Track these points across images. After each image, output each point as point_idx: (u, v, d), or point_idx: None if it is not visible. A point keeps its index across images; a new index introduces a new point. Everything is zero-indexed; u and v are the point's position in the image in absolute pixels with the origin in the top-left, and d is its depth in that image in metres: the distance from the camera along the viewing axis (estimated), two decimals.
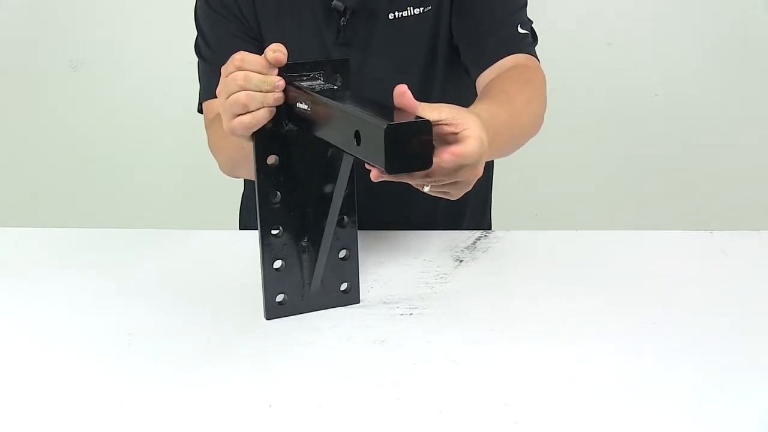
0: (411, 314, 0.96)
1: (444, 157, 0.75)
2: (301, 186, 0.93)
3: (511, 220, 1.42)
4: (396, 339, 0.90)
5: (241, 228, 1.43)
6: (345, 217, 0.96)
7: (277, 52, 0.87)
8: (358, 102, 0.78)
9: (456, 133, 0.77)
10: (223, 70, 0.90)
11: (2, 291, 1.06)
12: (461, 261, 1.10)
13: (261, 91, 0.86)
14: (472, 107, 0.93)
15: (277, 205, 0.93)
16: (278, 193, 0.93)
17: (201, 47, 1.23)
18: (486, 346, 0.89)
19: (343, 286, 0.98)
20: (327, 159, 0.93)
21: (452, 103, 0.89)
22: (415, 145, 0.70)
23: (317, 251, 0.95)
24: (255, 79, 0.86)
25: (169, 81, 2.30)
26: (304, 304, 0.97)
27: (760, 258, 1.11)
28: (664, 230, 1.20)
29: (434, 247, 1.14)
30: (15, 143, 2.54)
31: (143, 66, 2.39)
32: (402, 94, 0.75)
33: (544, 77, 1.17)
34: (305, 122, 0.86)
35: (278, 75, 0.87)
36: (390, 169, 0.69)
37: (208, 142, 1.21)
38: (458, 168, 0.77)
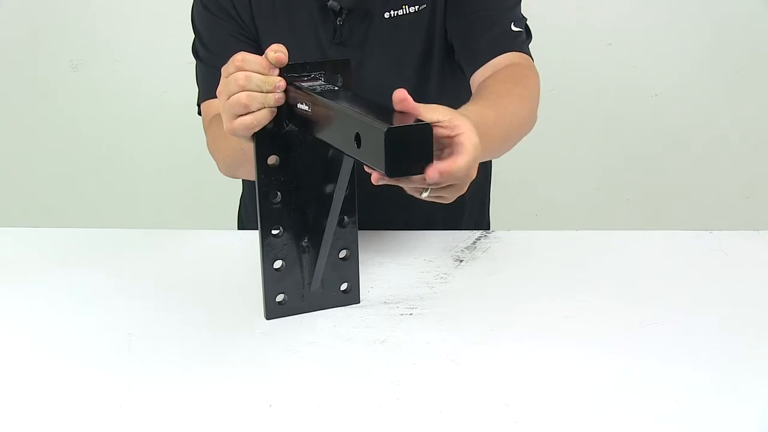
0: (411, 314, 0.96)
1: (429, 174, 0.72)
2: (302, 186, 0.93)
3: (511, 220, 1.42)
4: (396, 339, 0.91)
5: (239, 228, 1.43)
6: (345, 217, 0.96)
7: (278, 52, 0.87)
8: (358, 104, 0.78)
9: (451, 137, 0.77)
10: (224, 70, 0.90)
11: (2, 291, 1.06)
12: (461, 261, 1.10)
13: (262, 92, 0.86)
14: (461, 109, 0.93)
15: (278, 205, 0.93)
16: (278, 193, 0.93)
17: (198, 49, 1.23)
18: (486, 346, 0.89)
19: (343, 286, 0.98)
20: (327, 159, 0.93)
21: (449, 100, 0.89)
22: (415, 148, 0.70)
23: (317, 251, 0.95)
24: (256, 80, 0.86)
25: (169, 81, 2.30)
26: (304, 304, 0.97)
27: (760, 258, 1.11)
28: (664, 230, 1.20)
29: (434, 247, 1.14)
30: (15, 143, 2.53)
31: (143, 66, 2.39)
32: (402, 100, 0.74)
33: (537, 75, 1.17)
34: (306, 123, 0.86)
35: (279, 75, 0.87)
36: (390, 172, 0.69)
37: (207, 143, 1.21)
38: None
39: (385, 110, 0.74)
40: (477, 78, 1.15)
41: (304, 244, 0.95)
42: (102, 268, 1.11)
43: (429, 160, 0.71)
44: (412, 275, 1.06)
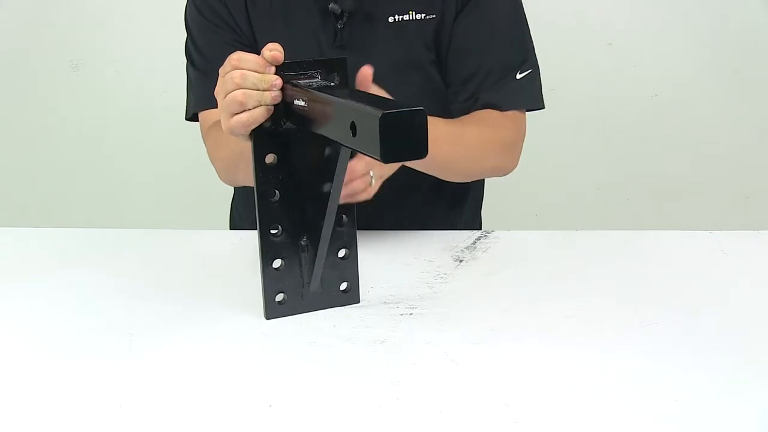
0: (411, 314, 0.96)
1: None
2: (300, 185, 0.93)
3: (511, 220, 1.42)
4: (396, 339, 0.90)
5: (231, 228, 1.43)
6: (344, 216, 0.96)
7: (273, 50, 0.87)
8: (353, 95, 0.78)
9: None
10: (221, 70, 0.90)
11: (2, 291, 1.06)
12: (461, 261, 1.10)
13: (258, 90, 0.86)
14: None
15: (276, 204, 0.93)
16: (277, 192, 0.93)
17: (193, 55, 1.22)
18: (486, 346, 0.88)
19: (343, 286, 0.98)
20: (325, 158, 0.93)
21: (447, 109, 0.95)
22: (409, 133, 0.70)
23: (316, 250, 0.95)
24: (252, 78, 0.87)
25: (169, 81, 2.29)
26: (303, 304, 0.97)
27: (760, 258, 1.11)
28: (664, 230, 1.20)
29: (434, 247, 1.14)
30: (15, 143, 2.53)
31: (143, 66, 2.39)
32: (364, 77, 0.83)
33: (519, 133, 1.23)
34: (303, 119, 0.86)
35: (276, 74, 0.87)
36: (385, 157, 0.70)
37: (207, 151, 1.20)
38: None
39: (380, 99, 0.75)
40: (458, 109, 1.21)
41: (303, 243, 0.95)
42: (102, 268, 1.11)
43: (424, 145, 0.71)
44: (412, 275, 1.06)
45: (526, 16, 1.24)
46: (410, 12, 1.17)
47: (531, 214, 2.44)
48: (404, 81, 1.18)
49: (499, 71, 1.20)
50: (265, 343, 0.91)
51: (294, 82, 0.87)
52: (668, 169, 2.41)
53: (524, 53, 1.23)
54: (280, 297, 0.96)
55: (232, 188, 1.43)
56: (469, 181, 1.28)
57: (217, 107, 1.05)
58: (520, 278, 1.05)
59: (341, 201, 0.93)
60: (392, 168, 1.02)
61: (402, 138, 0.70)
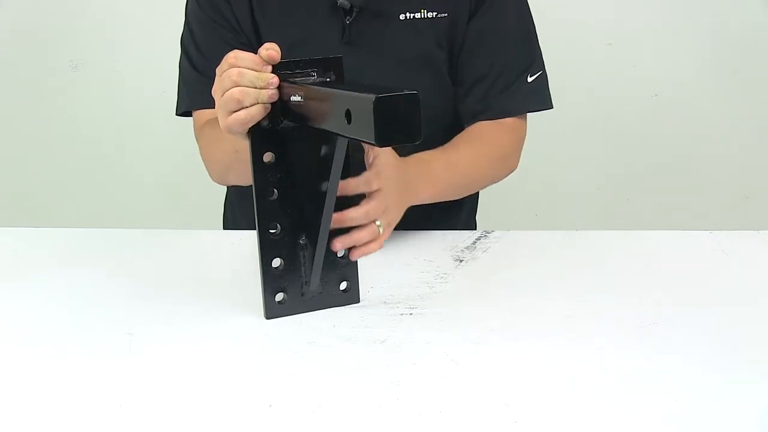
0: (411, 314, 0.96)
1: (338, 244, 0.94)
2: (298, 183, 0.93)
3: (511, 220, 1.42)
4: (396, 339, 0.90)
5: (224, 228, 1.42)
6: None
7: (270, 50, 0.87)
8: (348, 86, 0.79)
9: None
10: (218, 69, 0.90)
11: (2, 291, 1.06)
12: (461, 261, 1.10)
13: (255, 87, 0.87)
14: (418, 154, 1.08)
15: (275, 203, 0.93)
16: (275, 190, 0.93)
17: (190, 51, 1.22)
18: (486, 346, 0.88)
19: (343, 286, 0.98)
20: (323, 156, 0.93)
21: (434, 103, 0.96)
22: (403, 117, 0.71)
23: (310, 250, 0.95)
24: (249, 75, 0.87)
25: (169, 81, 2.29)
26: (303, 304, 0.97)
27: (760, 258, 1.11)
28: (664, 230, 1.20)
29: (434, 247, 1.14)
30: (15, 143, 2.53)
31: (143, 66, 2.39)
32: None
33: (518, 140, 1.24)
34: (300, 116, 0.87)
35: (272, 72, 0.87)
36: (379, 140, 0.70)
37: (200, 149, 1.20)
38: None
39: (372, 86, 0.74)
40: (468, 117, 1.23)
41: (302, 243, 0.95)
42: (102, 268, 1.11)
43: (418, 128, 0.71)
44: (412, 275, 1.06)
45: (543, 66, 1.27)
46: (422, 10, 1.17)
47: (531, 214, 2.44)
48: (413, 79, 1.18)
49: (510, 74, 1.21)
50: (265, 343, 0.91)
51: (291, 80, 0.88)
52: (668, 169, 2.41)
53: (533, 54, 1.24)
54: (279, 297, 0.96)
55: (226, 188, 1.43)
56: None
57: (211, 107, 1.05)
58: (520, 278, 1.05)
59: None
60: (399, 214, 1.02)
61: (396, 121, 0.70)
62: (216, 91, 0.89)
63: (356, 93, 0.74)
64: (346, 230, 0.95)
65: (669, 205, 2.41)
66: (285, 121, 0.90)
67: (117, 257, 1.15)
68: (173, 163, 2.45)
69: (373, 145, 0.72)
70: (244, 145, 0.92)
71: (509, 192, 2.32)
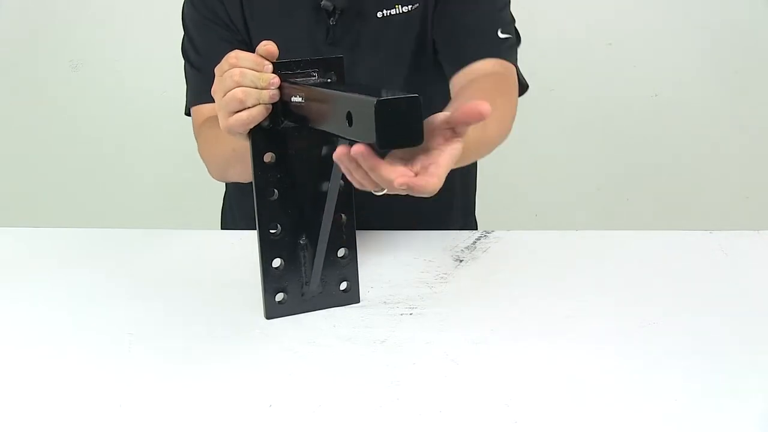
0: (411, 314, 0.96)
1: (399, 181, 0.74)
2: (298, 183, 0.94)
3: (511, 220, 1.42)
4: (396, 339, 0.90)
5: (222, 228, 1.43)
6: (342, 215, 0.96)
7: (267, 44, 0.87)
8: (350, 87, 0.79)
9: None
10: (218, 69, 0.90)
11: (2, 291, 1.06)
12: (461, 261, 1.10)
13: (257, 87, 0.87)
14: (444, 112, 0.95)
15: (275, 203, 0.93)
16: (275, 190, 0.93)
17: (189, 52, 1.23)
18: (486, 346, 0.88)
19: (343, 286, 0.98)
20: (323, 156, 0.93)
21: (442, 98, 0.90)
22: (405, 120, 0.70)
23: (315, 249, 0.95)
24: (250, 76, 0.87)
25: (169, 81, 2.29)
26: (303, 304, 0.97)
27: (760, 258, 1.11)
28: (664, 230, 1.20)
29: (434, 247, 1.14)
30: (15, 143, 2.54)
31: (143, 66, 2.39)
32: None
33: (517, 88, 1.18)
34: (300, 116, 0.87)
35: (273, 72, 0.88)
36: (381, 143, 0.70)
37: (198, 148, 1.21)
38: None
39: (374, 88, 0.74)
40: (457, 81, 1.16)
41: (302, 243, 0.95)
42: (102, 268, 1.11)
43: (419, 131, 0.71)
44: (412, 275, 1.06)
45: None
46: (396, 5, 1.18)
47: (531, 214, 2.44)
48: (395, 74, 1.19)
49: (482, 29, 1.17)
50: (265, 343, 0.91)
51: (292, 80, 0.88)
52: (668, 169, 2.41)
53: (505, 19, 1.20)
54: (280, 296, 0.96)
55: (224, 188, 1.43)
56: None
57: (210, 102, 1.03)
58: (520, 278, 1.05)
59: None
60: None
61: (398, 124, 0.70)
62: (216, 92, 0.89)
63: (358, 95, 0.74)
64: (341, 232, 0.95)
65: (669, 205, 2.41)
66: (285, 122, 0.90)
67: (117, 257, 1.15)
68: (173, 163, 2.45)
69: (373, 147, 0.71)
70: (244, 145, 0.92)
71: (509, 192, 2.33)
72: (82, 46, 2.43)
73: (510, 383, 0.81)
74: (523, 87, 1.22)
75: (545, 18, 2.23)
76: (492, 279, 1.05)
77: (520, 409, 0.77)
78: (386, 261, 1.10)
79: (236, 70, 0.87)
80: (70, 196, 2.53)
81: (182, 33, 1.26)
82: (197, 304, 1.00)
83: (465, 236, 1.18)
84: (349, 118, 0.74)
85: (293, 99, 0.87)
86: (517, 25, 1.23)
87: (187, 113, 1.27)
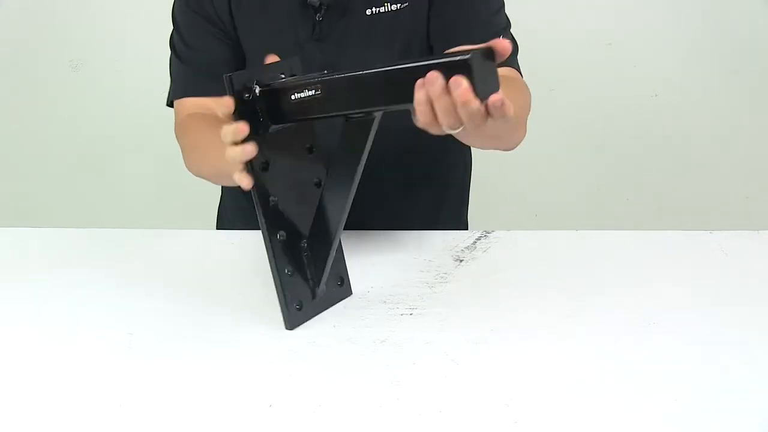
0: (411, 314, 0.96)
1: (496, 97, 0.76)
2: (292, 186, 0.94)
3: (511, 220, 1.42)
4: (396, 339, 0.91)
5: (218, 228, 1.43)
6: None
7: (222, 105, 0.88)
8: (385, 65, 0.82)
9: None
10: None
11: (2, 291, 1.06)
12: (461, 261, 1.10)
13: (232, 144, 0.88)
14: None
15: (276, 210, 0.93)
16: (274, 197, 0.93)
17: (176, 44, 1.24)
18: (486, 346, 0.89)
19: (338, 281, 0.99)
20: (311, 154, 0.95)
21: None
22: (490, 70, 0.77)
23: (314, 252, 0.95)
24: (226, 134, 0.88)
25: (169, 81, 2.29)
26: (315, 307, 0.96)
27: (760, 258, 1.11)
28: (664, 230, 1.20)
29: (434, 247, 1.14)
30: (15, 143, 2.53)
31: (143, 66, 2.39)
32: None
33: (529, 89, 1.17)
34: (310, 109, 0.87)
35: (261, 86, 0.88)
36: (481, 95, 0.75)
37: (179, 140, 1.21)
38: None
39: (432, 56, 0.81)
40: None
41: (303, 245, 0.95)
42: (102, 268, 1.11)
43: (497, 80, 0.77)
44: (412, 275, 1.06)
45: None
46: (386, 4, 1.18)
47: (531, 214, 2.44)
48: None
49: (480, 37, 1.16)
50: (265, 343, 0.91)
51: (288, 80, 0.88)
52: (668, 169, 2.41)
53: (501, 27, 1.20)
54: (298, 304, 0.95)
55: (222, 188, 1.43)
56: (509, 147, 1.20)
57: (193, 95, 1.15)
58: (520, 278, 1.05)
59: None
60: None
61: (486, 74, 0.76)
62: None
63: (443, 59, 0.76)
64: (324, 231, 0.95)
65: (669, 205, 2.41)
66: (272, 126, 0.90)
67: (117, 257, 1.15)
68: (173, 163, 2.43)
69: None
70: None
71: (509, 192, 2.33)
72: (82, 46, 2.43)
73: (510, 383, 0.81)
74: None
75: (545, 18, 2.23)
76: (492, 279, 1.05)
77: (520, 409, 0.77)
78: (386, 261, 1.10)
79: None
80: (70, 196, 2.53)
81: (171, 32, 1.27)
82: (197, 304, 1.00)
83: (465, 236, 1.18)
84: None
85: (296, 96, 0.87)
86: (517, 24, 1.23)
87: (170, 104, 1.28)
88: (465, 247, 1.14)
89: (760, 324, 0.93)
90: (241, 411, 0.78)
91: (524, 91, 1.15)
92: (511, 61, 1.18)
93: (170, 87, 1.28)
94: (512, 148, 1.16)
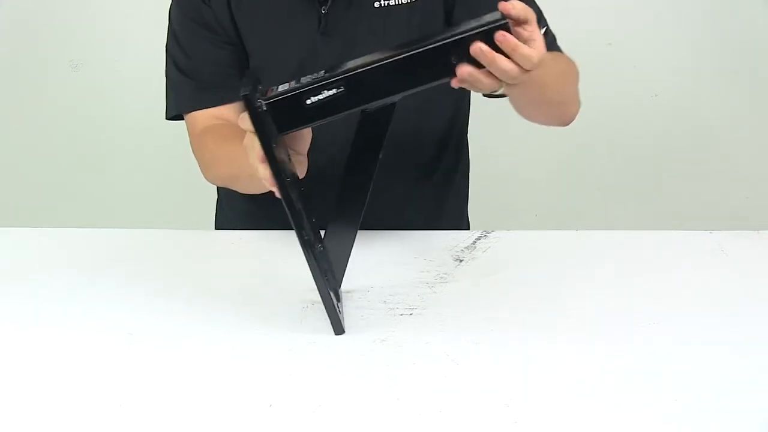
0: (411, 314, 0.96)
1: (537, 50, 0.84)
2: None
3: (511, 220, 1.42)
4: (396, 339, 0.91)
5: (216, 227, 1.43)
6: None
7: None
8: (406, 43, 0.87)
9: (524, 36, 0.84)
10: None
11: (2, 291, 1.06)
12: (461, 261, 1.10)
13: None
14: None
15: (302, 215, 0.90)
16: (300, 203, 0.92)
17: (176, 54, 1.21)
18: (486, 346, 0.89)
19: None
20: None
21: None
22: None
23: (333, 250, 0.95)
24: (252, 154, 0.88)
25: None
26: (339, 306, 0.95)
27: (760, 258, 1.11)
28: (664, 230, 1.20)
29: (434, 247, 1.14)
30: (15, 143, 2.53)
31: (143, 66, 2.39)
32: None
33: (576, 67, 1.19)
34: (334, 106, 0.85)
35: (266, 99, 0.85)
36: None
37: (197, 157, 1.20)
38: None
39: (460, 25, 0.85)
40: None
41: (320, 247, 0.93)
42: (102, 268, 1.11)
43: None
44: (412, 275, 1.06)
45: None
46: None
47: (531, 214, 2.44)
48: None
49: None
50: (265, 343, 0.91)
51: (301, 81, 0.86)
52: (668, 169, 2.41)
53: (537, 10, 1.22)
54: (339, 306, 0.93)
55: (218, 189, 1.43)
56: (561, 110, 1.23)
57: (204, 107, 1.15)
58: (520, 278, 1.05)
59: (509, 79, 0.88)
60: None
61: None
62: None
63: (468, 32, 0.82)
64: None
65: (669, 205, 2.41)
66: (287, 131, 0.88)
67: (117, 257, 1.15)
68: (174, 163, 2.44)
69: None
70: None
71: (509, 192, 2.33)
72: (82, 46, 2.43)
73: (510, 383, 0.81)
74: None
75: (545, 18, 2.22)
76: (492, 279, 1.05)
77: (520, 409, 0.77)
78: (386, 261, 1.10)
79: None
80: (70, 196, 2.53)
81: (167, 36, 1.25)
82: (197, 303, 1.00)
83: (465, 236, 1.18)
84: (450, 57, 0.83)
85: (312, 100, 0.85)
86: None
87: (171, 117, 1.26)
88: (465, 247, 1.14)
89: (760, 324, 0.93)
90: (241, 411, 0.78)
91: (572, 67, 1.17)
92: (553, 46, 1.22)
93: (170, 98, 1.25)
94: (568, 123, 1.20)
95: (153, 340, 0.92)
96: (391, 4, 1.16)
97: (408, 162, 1.25)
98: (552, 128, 1.23)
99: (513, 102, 1.09)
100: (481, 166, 1.43)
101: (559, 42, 1.29)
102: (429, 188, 1.31)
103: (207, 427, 0.76)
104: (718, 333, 0.91)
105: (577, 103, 1.18)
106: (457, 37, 0.82)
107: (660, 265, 1.09)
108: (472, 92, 1.29)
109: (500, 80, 0.85)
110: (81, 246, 1.20)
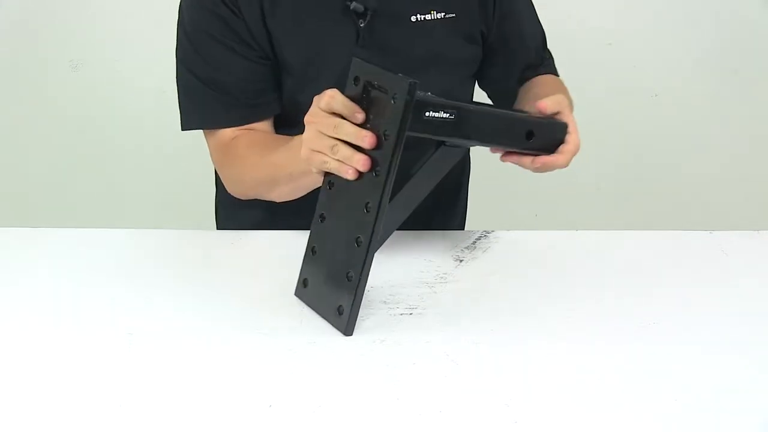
0: (411, 314, 0.96)
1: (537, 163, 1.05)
2: (346, 207, 0.94)
3: (511, 220, 1.42)
4: (396, 339, 0.91)
5: (218, 227, 1.42)
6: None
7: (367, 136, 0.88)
8: (504, 109, 1.06)
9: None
10: (313, 110, 0.91)
11: (2, 291, 1.06)
12: (461, 261, 1.10)
13: (351, 143, 0.88)
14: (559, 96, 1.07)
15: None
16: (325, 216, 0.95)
17: (195, 64, 1.18)
18: (486, 346, 0.89)
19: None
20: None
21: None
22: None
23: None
24: (347, 129, 0.88)
25: (169, 81, 2.29)
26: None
27: (760, 258, 1.11)
28: (664, 230, 1.20)
29: (434, 247, 1.14)
30: (15, 143, 2.53)
31: (143, 66, 2.39)
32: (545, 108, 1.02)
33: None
34: (440, 129, 0.93)
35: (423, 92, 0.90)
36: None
37: (224, 168, 1.20)
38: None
39: (536, 114, 1.04)
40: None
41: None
42: (102, 267, 1.11)
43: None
44: (412, 275, 1.06)
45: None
46: (432, 11, 1.17)
47: (531, 214, 2.44)
48: (429, 80, 1.17)
49: (536, 51, 1.32)
50: (265, 343, 0.91)
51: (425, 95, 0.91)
52: (668, 169, 2.41)
53: (542, 34, 1.36)
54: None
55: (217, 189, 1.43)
56: None
57: (231, 125, 1.15)
58: (521, 278, 1.05)
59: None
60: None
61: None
62: (311, 139, 0.91)
63: (538, 119, 1.02)
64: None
65: (669, 205, 2.41)
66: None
67: (117, 257, 1.15)
68: (174, 163, 2.44)
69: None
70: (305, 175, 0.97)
71: (509, 192, 2.33)
72: (82, 46, 2.43)
73: (510, 383, 0.81)
74: None
75: (545, 18, 2.22)
76: (492, 279, 1.05)
77: (520, 409, 0.77)
78: (386, 261, 1.10)
79: (331, 122, 0.88)
80: (70, 196, 2.53)
81: (178, 44, 1.24)
82: (197, 303, 1.00)
83: (465, 236, 1.18)
84: (530, 135, 1.00)
85: (434, 114, 0.91)
86: None
87: (187, 128, 1.22)
88: (465, 247, 1.14)
89: (759, 324, 0.93)
90: (241, 411, 0.78)
91: (568, 96, 1.24)
92: (551, 68, 1.36)
93: (190, 110, 1.21)
94: None
95: (153, 340, 0.92)
96: (427, 18, 1.16)
97: (408, 162, 1.25)
98: None
99: None
100: (481, 166, 1.43)
101: (560, 42, 1.33)
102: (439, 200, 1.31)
103: (207, 427, 0.76)
104: (718, 333, 0.91)
105: None
106: (544, 122, 1.03)
107: (660, 265, 1.09)
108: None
109: None
110: (81, 246, 1.20)
